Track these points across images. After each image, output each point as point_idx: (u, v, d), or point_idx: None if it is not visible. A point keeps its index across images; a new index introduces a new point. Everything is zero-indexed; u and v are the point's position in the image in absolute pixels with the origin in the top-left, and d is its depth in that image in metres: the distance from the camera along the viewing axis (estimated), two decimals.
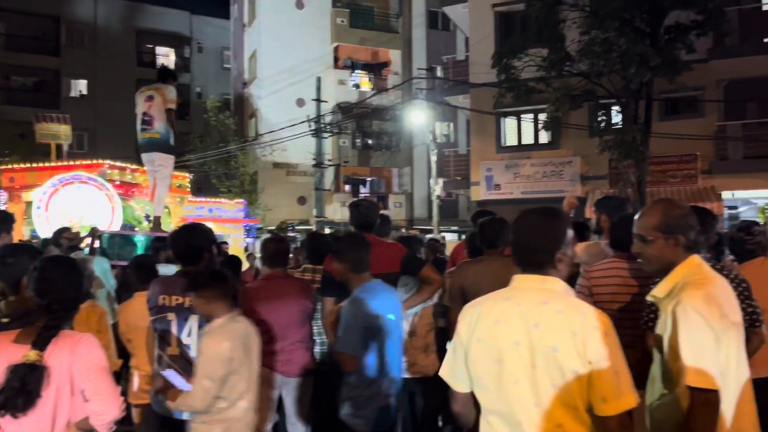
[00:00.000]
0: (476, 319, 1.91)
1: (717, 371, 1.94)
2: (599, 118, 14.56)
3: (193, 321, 3.11)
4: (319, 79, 22.90)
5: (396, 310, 3.26)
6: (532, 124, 17.60)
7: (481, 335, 1.88)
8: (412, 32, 27.75)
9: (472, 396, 1.97)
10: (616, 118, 14.41)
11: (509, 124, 18.20)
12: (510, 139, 18.32)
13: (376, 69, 27.74)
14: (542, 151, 17.52)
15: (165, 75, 7.24)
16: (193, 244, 3.21)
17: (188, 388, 2.95)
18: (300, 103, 25.10)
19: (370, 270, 3.31)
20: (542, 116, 15.48)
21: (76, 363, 2.17)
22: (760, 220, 12.58)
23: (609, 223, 3.47)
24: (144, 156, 7.41)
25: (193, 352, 3.08)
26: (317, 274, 4.09)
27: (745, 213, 16.14)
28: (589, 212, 12.45)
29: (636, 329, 2.63)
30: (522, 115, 17.63)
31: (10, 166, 11.27)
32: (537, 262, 1.90)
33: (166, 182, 7.34)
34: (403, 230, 14.63)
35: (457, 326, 1.97)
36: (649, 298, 2.26)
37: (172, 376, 3.05)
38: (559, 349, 1.77)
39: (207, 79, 36.03)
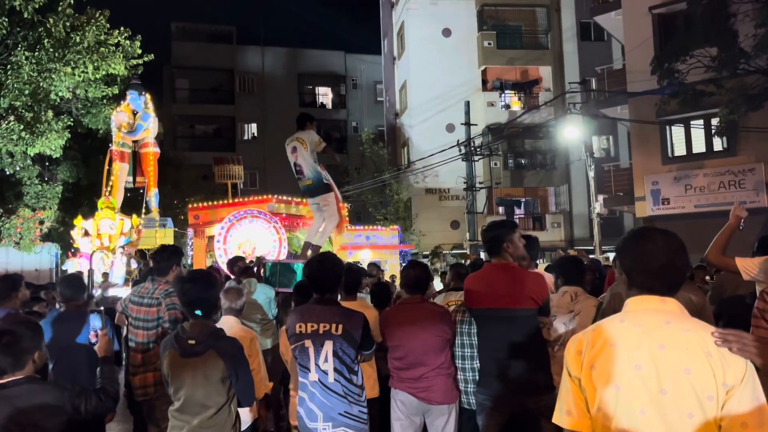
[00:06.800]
0: (586, 346, 1.72)
1: None
2: None
3: (328, 347, 3.17)
4: (467, 103, 22.98)
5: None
6: (703, 130, 16.08)
7: (595, 362, 1.68)
8: (562, 46, 26.88)
9: None
10: None
11: (676, 132, 16.78)
12: (678, 148, 16.87)
13: (525, 87, 27.19)
14: (717, 160, 15.87)
15: (303, 120, 7.42)
16: (328, 275, 3.29)
17: (320, 414, 3.12)
18: (450, 128, 25.35)
19: (501, 304, 3.25)
20: (715, 121, 14.16)
21: None
22: None
23: None
24: (308, 202, 8.02)
25: (330, 378, 3.16)
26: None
27: None
28: None
29: None
30: (691, 122, 16.20)
31: (195, 205, 12.74)
32: (677, 284, 1.72)
33: (334, 219, 7.67)
34: (560, 251, 14.03)
35: (565, 360, 1.78)
36: None
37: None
38: (692, 371, 1.57)
39: (362, 114, 37.89)
